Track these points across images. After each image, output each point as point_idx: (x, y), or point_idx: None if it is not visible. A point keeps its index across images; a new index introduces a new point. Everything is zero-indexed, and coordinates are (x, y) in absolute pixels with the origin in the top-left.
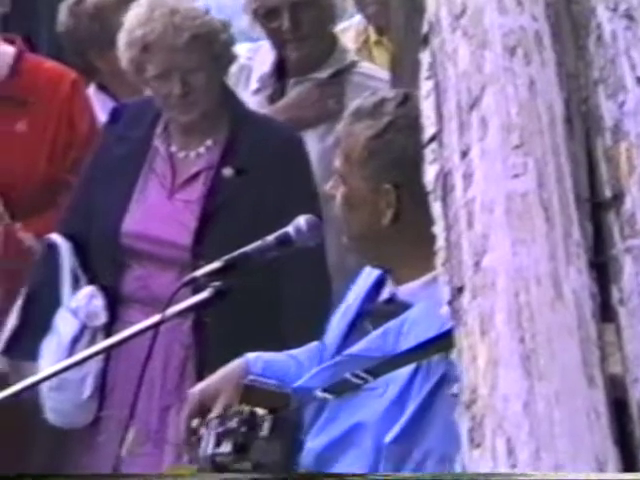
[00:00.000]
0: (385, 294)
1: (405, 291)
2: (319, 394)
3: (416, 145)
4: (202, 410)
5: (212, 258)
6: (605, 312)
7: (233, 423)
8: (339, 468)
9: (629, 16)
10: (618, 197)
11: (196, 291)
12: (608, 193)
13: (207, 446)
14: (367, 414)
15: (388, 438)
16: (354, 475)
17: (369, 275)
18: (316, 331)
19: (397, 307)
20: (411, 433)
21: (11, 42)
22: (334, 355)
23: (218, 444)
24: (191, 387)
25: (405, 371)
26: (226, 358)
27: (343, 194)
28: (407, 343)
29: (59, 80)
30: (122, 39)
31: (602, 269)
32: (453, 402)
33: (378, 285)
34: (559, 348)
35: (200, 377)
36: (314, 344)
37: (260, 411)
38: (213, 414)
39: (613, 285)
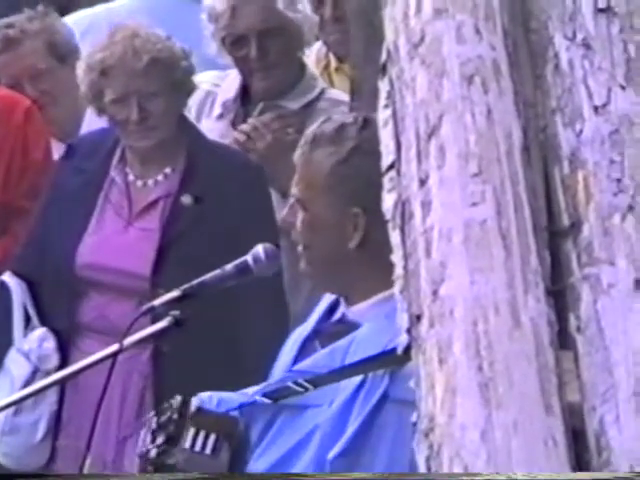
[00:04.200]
0: (337, 315)
1: (354, 311)
2: (258, 398)
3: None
4: None
5: (171, 287)
6: (563, 340)
7: (164, 417)
8: None
9: (586, 45)
10: (575, 225)
11: (155, 320)
12: (566, 221)
13: (144, 443)
14: (311, 431)
15: (332, 454)
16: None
17: (326, 299)
18: (274, 360)
19: (346, 327)
20: (354, 449)
21: None
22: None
23: (153, 440)
24: None
25: (348, 387)
26: (185, 388)
27: (305, 220)
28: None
29: (13, 108)
30: (81, 64)
31: (560, 297)
32: (396, 418)
33: (332, 307)
34: (517, 376)
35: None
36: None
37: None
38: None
39: (571, 313)
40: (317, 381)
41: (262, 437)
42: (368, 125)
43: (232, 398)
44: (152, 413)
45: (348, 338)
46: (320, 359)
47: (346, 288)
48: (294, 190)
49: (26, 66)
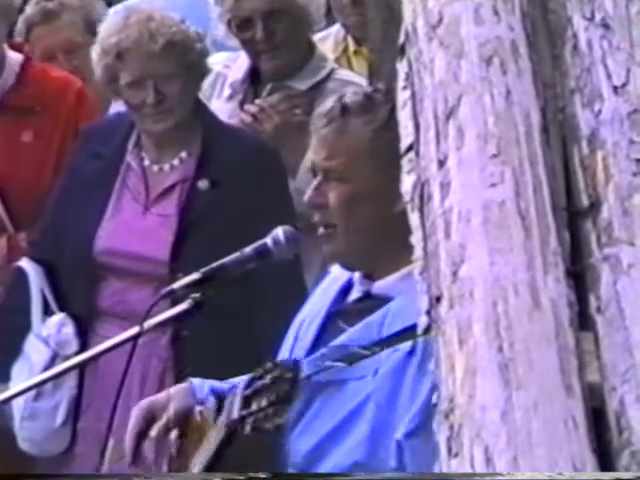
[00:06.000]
0: (355, 294)
1: (382, 286)
2: (329, 364)
3: None
4: (149, 421)
5: (189, 272)
6: (583, 321)
7: (266, 380)
8: (331, 463)
9: (605, 25)
10: (595, 206)
11: (175, 304)
12: (585, 202)
13: (231, 412)
14: (362, 402)
15: (399, 434)
16: (338, 475)
17: (334, 282)
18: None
19: (374, 302)
20: (424, 426)
21: (18, 49)
22: (305, 357)
23: (247, 405)
24: None
25: (392, 357)
26: (204, 371)
27: (344, 194)
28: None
29: (65, 89)
30: (97, 48)
31: (579, 278)
32: None
33: (345, 290)
34: (537, 357)
35: None
36: None
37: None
38: (161, 422)
39: (590, 293)
40: (382, 344)
41: (300, 417)
42: (390, 91)
43: (222, 387)
44: (235, 381)
45: (381, 311)
46: (355, 333)
47: (374, 264)
48: (327, 165)
49: (63, 39)
